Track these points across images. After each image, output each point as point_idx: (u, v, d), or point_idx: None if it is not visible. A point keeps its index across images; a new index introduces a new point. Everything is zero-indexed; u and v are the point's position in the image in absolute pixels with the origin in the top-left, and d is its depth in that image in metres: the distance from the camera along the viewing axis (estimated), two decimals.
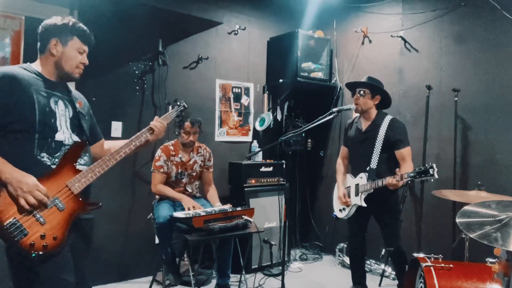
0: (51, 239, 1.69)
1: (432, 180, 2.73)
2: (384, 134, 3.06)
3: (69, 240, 1.78)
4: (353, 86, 3.23)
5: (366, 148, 3.13)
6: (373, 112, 3.17)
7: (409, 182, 3.84)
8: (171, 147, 3.50)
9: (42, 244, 1.67)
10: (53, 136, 1.80)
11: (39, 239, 1.66)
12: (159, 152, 3.47)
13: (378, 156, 3.06)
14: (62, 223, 1.74)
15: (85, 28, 1.93)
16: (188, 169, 3.53)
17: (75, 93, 2.02)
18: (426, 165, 2.68)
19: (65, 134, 1.85)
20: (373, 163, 3.07)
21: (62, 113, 1.86)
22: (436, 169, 2.62)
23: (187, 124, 3.40)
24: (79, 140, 1.90)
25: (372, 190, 3.02)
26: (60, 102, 1.87)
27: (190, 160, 3.55)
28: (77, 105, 1.96)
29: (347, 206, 3.23)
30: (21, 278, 1.74)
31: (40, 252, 1.66)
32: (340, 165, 3.45)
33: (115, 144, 2.10)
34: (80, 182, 1.82)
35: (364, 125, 3.21)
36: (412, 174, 2.73)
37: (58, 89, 1.88)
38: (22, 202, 1.64)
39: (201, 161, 3.61)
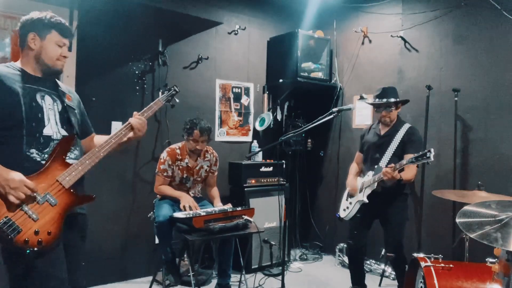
0: (45, 235, 1.70)
1: (428, 163, 2.75)
2: (400, 139, 3.10)
3: (62, 236, 1.77)
4: (380, 105, 3.21)
5: (381, 151, 3.17)
6: (394, 119, 3.22)
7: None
8: (178, 151, 3.45)
9: (37, 240, 1.67)
10: (41, 131, 1.81)
11: (33, 235, 1.67)
12: (164, 155, 3.43)
13: (390, 157, 3.10)
14: (55, 218, 1.75)
15: (63, 21, 1.94)
16: (194, 174, 3.50)
17: (63, 87, 2.02)
18: (426, 150, 2.71)
19: (53, 129, 1.85)
20: (383, 163, 3.09)
21: (50, 107, 1.86)
22: (433, 153, 2.64)
23: (196, 132, 3.33)
24: (68, 134, 1.91)
25: (375, 185, 3.02)
26: (47, 97, 1.87)
27: (197, 165, 3.52)
28: (66, 99, 1.96)
29: (351, 204, 3.23)
30: (17, 276, 1.74)
31: (35, 248, 1.66)
32: (353, 167, 3.48)
33: (104, 139, 2.09)
34: (71, 176, 1.82)
35: (383, 130, 3.25)
36: (412, 159, 2.76)
37: (44, 84, 1.89)
38: (11, 198, 1.65)
39: (207, 166, 3.58)
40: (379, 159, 3.14)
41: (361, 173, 3.38)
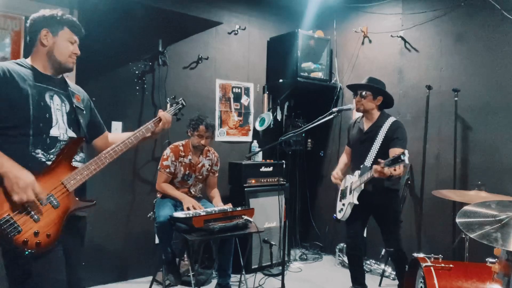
0: (44, 237, 1.68)
1: (405, 166, 2.71)
2: (384, 134, 3.06)
3: (62, 238, 1.77)
4: (354, 88, 3.22)
5: (366, 148, 3.13)
6: (376, 113, 3.17)
7: (409, 182, 3.90)
8: (181, 147, 3.49)
9: (36, 241, 1.66)
10: (48, 131, 1.80)
11: (32, 236, 1.65)
12: (168, 151, 3.46)
13: (375, 155, 3.05)
14: (56, 220, 1.74)
15: (74, 19, 1.94)
16: (196, 171, 3.52)
17: (73, 87, 2.01)
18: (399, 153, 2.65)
19: (60, 130, 1.84)
20: (368, 161, 3.06)
21: (58, 107, 1.85)
22: (407, 155, 2.58)
23: (202, 127, 3.38)
24: (75, 136, 1.90)
25: (363, 186, 3.01)
26: (56, 97, 1.86)
27: (199, 163, 3.54)
28: (74, 100, 1.95)
29: (344, 205, 3.23)
30: (16, 277, 1.73)
31: (33, 250, 1.65)
32: (343, 157, 3.48)
33: (119, 136, 2.10)
34: (76, 180, 1.81)
35: (366, 125, 3.21)
36: (387, 162, 2.69)
37: (53, 84, 1.88)
38: (16, 198, 1.63)
39: (209, 165, 3.61)
40: (364, 157, 3.09)
41: (349, 166, 3.37)
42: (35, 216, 1.68)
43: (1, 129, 1.72)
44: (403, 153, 2.59)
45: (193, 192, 3.56)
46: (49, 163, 1.78)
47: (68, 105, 1.91)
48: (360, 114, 3.30)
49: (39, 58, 1.87)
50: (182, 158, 3.46)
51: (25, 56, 1.95)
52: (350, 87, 3.28)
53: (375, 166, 2.82)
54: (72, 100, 1.93)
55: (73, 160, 1.86)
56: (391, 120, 3.12)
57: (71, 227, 1.85)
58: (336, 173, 3.31)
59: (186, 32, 4.19)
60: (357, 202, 3.07)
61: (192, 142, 3.47)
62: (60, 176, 1.79)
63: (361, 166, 3.08)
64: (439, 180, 3.76)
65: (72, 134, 1.89)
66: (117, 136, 2.19)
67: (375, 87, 3.13)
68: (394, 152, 2.99)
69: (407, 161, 2.60)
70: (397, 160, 2.63)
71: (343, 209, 3.24)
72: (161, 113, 2.18)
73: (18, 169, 1.66)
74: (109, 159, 1.92)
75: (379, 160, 2.80)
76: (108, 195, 3.67)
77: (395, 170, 2.74)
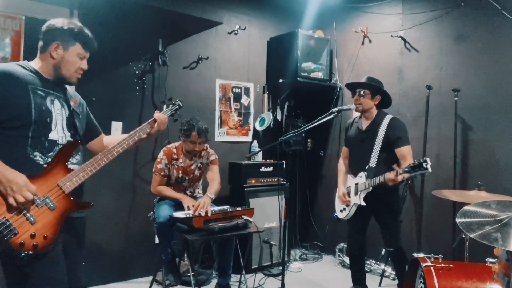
0: (41, 239, 1.68)
1: (426, 173, 2.69)
2: (384, 133, 3.06)
3: (61, 239, 1.77)
4: (353, 87, 3.23)
5: (366, 147, 3.13)
6: (374, 112, 3.17)
7: (409, 182, 3.90)
8: (174, 150, 3.46)
9: (32, 243, 1.66)
10: (47, 135, 1.81)
11: (29, 239, 1.65)
12: (161, 154, 3.44)
13: (378, 155, 3.06)
14: (53, 222, 1.74)
15: (90, 34, 1.94)
16: (189, 173, 3.50)
17: (70, 91, 2.01)
18: (420, 159, 2.65)
19: (59, 134, 1.85)
20: (372, 162, 3.06)
21: (58, 112, 1.86)
22: (429, 163, 2.58)
23: (194, 134, 3.28)
24: (72, 140, 1.90)
25: (371, 189, 3.01)
26: (56, 102, 1.87)
27: (192, 165, 3.52)
28: (72, 104, 1.96)
29: (347, 205, 3.23)
30: (13, 278, 1.73)
31: (30, 252, 1.65)
32: (341, 165, 3.45)
33: (114, 139, 2.11)
34: (72, 181, 1.81)
35: (364, 124, 3.21)
36: (407, 169, 2.69)
37: (54, 88, 1.88)
38: (11, 200, 1.63)
39: (201, 163, 3.58)
40: (367, 157, 3.08)
41: (348, 170, 3.36)
42: (31, 218, 1.68)
43: (1, 129, 1.72)
44: (426, 161, 2.58)
45: (189, 194, 3.54)
46: (46, 166, 1.78)
47: (67, 109, 1.92)
48: (359, 114, 3.30)
49: (45, 65, 1.87)
50: (175, 161, 3.44)
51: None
52: (349, 85, 3.28)
53: (388, 175, 2.80)
54: (70, 104, 1.94)
55: (69, 162, 1.86)
56: (388, 117, 3.12)
57: (70, 227, 1.85)
58: (344, 194, 3.23)
59: (186, 32, 4.19)
60: (364, 204, 3.07)
61: (185, 148, 3.42)
62: (56, 178, 1.79)
63: (366, 167, 3.08)
64: (439, 180, 3.76)
65: (70, 138, 1.89)
66: (112, 138, 2.20)
67: (373, 85, 3.14)
68: (401, 152, 3.00)
69: (430, 170, 2.59)
70: (418, 167, 2.62)
71: (346, 209, 3.24)
72: (156, 114, 2.18)
73: (10, 173, 1.66)
74: (105, 161, 1.93)
75: (395, 167, 2.79)
76: (109, 195, 3.67)
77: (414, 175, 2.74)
